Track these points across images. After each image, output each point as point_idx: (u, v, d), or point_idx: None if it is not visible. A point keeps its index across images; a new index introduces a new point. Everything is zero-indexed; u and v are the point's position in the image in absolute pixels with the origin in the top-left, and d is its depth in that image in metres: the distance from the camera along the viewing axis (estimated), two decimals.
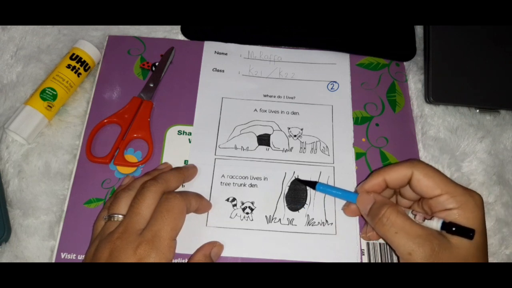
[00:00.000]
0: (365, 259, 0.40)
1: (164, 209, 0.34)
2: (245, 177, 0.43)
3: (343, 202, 0.42)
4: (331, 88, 0.49)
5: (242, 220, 0.41)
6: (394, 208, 0.34)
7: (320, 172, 0.44)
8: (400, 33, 0.53)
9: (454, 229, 0.32)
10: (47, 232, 0.41)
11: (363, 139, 0.46)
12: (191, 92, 0.48)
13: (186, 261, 0.38)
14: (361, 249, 0.40)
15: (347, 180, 0.44)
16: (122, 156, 0.43)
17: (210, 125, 0.46)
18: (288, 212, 0.42)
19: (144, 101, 0.46)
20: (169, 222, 0.34)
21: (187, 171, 0.42)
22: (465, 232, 0.32)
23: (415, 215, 0.35)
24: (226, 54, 0.51)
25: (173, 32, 0.52)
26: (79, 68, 0.47)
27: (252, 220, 0.41)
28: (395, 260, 0.40)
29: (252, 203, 0.42)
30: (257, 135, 0.46)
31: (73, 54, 0.47)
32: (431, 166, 0.36)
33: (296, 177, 0.43)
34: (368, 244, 0.40)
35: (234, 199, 0.42)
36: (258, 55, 0.51)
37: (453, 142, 0.48)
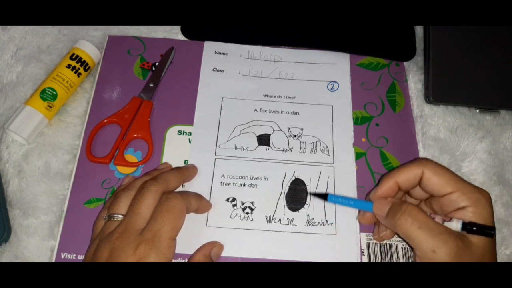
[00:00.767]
0: (365, 259, 0.40)
1: (164, 209, 0.34)
2: (245, 177, 0.43)
3: None
4: (331, 88, 0.49)
5: (242, 220, 0.41)
6: (415, 206, 0.34)
7: (320, 172, 0.44)
8: (400, 33, 0.53)
9: (474, 228, 0.32)
10: (47, 232, 0.41)
11: (363, 139, 0.46)
12: (191, 92, 0.48)
13: (186, 261, 0.38)
14: (361, 249, 0.40)
15: (347, 180, 0.44)
16: (122, 156, 0.43)
17: (210, 125, 0.46)
18: (288, 212, 0.42)
19: (144, 101, 0.46)
20: (169, 222, 0.34)
21: (187, 171, 0.42)
22: (485, 231, 0.33)
23: (433, 218, 0.34)
24: (226, 54, 0.51)
25: (173, 32, 0.52)
26: (79, 68, 0.47)
27: (252, 220, 0.41)
28: (395, 260, 0.40)
29: (252, 203, 0.42)
30: (257, 135, 0.46)
31: (73, 54, 0.47)
32: (440, 164, 0.36)
33: (296, 177, 0.43)
34: (368, 244, 0.40)
35: (234, 199, 0.42)
36: (258, 55, 0.51)
37: (453, 142, 0.48)
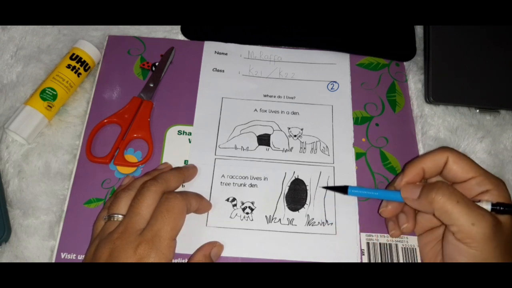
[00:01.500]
0: (365, 259, 0.40)
1: (164, 209, 0.34)
2: (245, 177, 0.43)
3: (343, 202, 0.42)
4: (331, 88, 0.49)
5: (242, 220, 0.41)
6: (448, 184, 0.36)
7: (320, 172, 0.44)
8: (400, 33, 0.53)
9: (502, 208, 0.34)
10: (47, 232, 0.41)
11: (363, 139, 0.46)
12: (191, 92, 0.48)
13: (186, 261, 0.38)
14: (361, 249, 0.40)
15: (347, 180, 0.44)
16: (122, 156, 0.43)
17: (210, 125, 0.46)
18: (288, 212, 0.42)
19: (144, 101, 0.46)
20: (169, 222, 0.34)
21: (187, 171, 0.42)
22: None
23: None
24: (226, 54, 0.51)
25: (173, 32, 0.52)
26: (79, 68, 0.47)
27: (252, 220, 0.41)
28: (395, 260, 0.40)
29: (252, 203, 0.42)
30: (257, 135, 0.46)
31: (73, 54, 0.47)
32: (461, 152, 0.37)
33: (296, 177, 0.43)
34: (368, 244, 0.40)
35: (234, 199, 0.42)
36: (258, 55, 0.51)
37: (453, 142, 0.48)
